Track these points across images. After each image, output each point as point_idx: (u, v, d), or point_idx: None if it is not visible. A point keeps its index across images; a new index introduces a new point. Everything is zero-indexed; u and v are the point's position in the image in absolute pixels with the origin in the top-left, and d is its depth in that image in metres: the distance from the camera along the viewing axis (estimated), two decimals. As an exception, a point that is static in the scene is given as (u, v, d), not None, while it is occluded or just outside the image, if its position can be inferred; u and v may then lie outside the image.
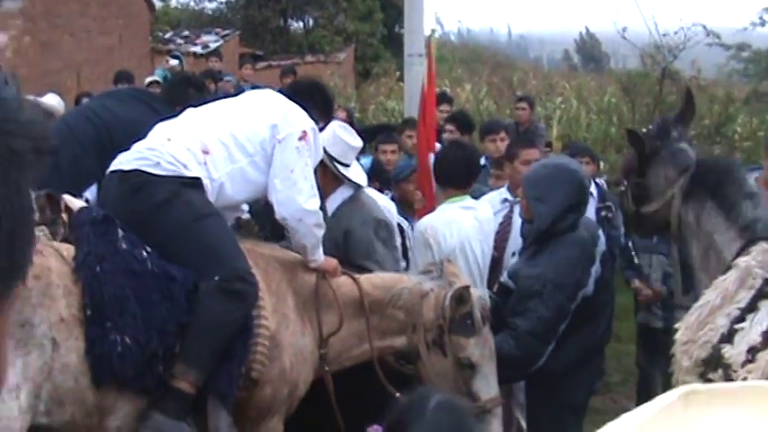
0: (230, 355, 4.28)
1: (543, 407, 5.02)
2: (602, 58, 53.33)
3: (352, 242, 5.32)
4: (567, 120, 18.60)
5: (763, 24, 21.15)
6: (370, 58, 29.92)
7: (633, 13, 16.08)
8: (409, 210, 6.66)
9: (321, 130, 5.00)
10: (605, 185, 8.33)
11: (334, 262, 4.87)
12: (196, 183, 4.43)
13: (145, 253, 4.23)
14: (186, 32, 26.61)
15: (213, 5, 32.26)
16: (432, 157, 6.67)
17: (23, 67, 14.40)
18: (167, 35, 25.79)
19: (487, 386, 4.75)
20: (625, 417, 1.32)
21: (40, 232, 4.30)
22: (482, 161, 7.62)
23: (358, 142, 5.58)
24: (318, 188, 5.03)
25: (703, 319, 4.00)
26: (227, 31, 26.45)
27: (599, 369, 8.11)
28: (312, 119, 4.81)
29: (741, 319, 3.84)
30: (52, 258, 4.01)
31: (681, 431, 1.22)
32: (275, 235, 5.18)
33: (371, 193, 5.81)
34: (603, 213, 7.48)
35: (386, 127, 10.91)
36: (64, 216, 4.39)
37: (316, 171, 5.14)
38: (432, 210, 6.19)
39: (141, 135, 4.63)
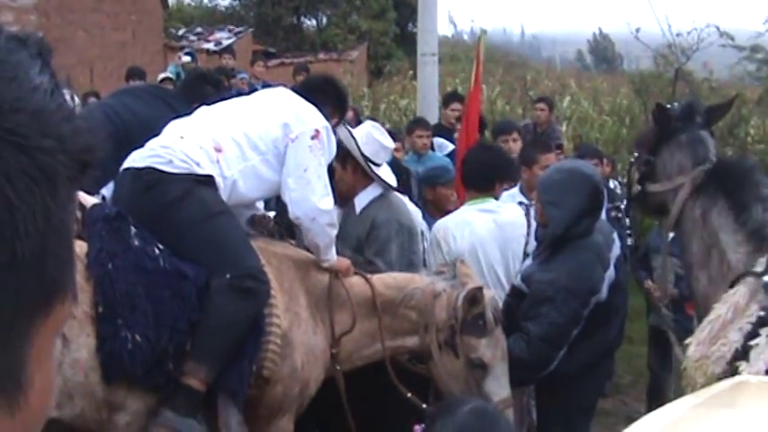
0: (241, 353, 4.28)
1: (553, 409, 5.00)
2: (615, 58, 53.22)
3: (371, 238, 5.31)
4: (579, 120, 18.55)
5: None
6: (382, 57, 29.92)
7: (646, 14, 16.04)
8: (440, 214, 6.60)
9: (336, 126, 4.99)
10: (618, 186, 8.30)
11: (346, 262, 4.86)
12: (209, 181, 4.43)
13: (157, 250, 4.23)
14: (199, 29, 26.68)
15: (226, 2, 32.40)
16: None
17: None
18: (180, 32, 25.87)
19: (499, 387, 4.73)
20: (679, 401, 1.32)
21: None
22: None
23: (391, 143, 5.58)
24: (347, 184, 5.03)
25: (716, 334, 3.96)
26: (239, 29, 26.52)
27: (609, 371, 8.12)
28: (325, 115, 4.80)
29: (754, 334, 3.80)
30: (65, 255, 4.01)
31: (732, 418, 1.23)
32: (292, 233, 5.17)
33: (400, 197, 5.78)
34: (613, 214, 7.46)
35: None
36: (77, 213, 4.39)
37: (344, 165, 5.14)
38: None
39: (158, 133, 4.64)
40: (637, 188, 4.92)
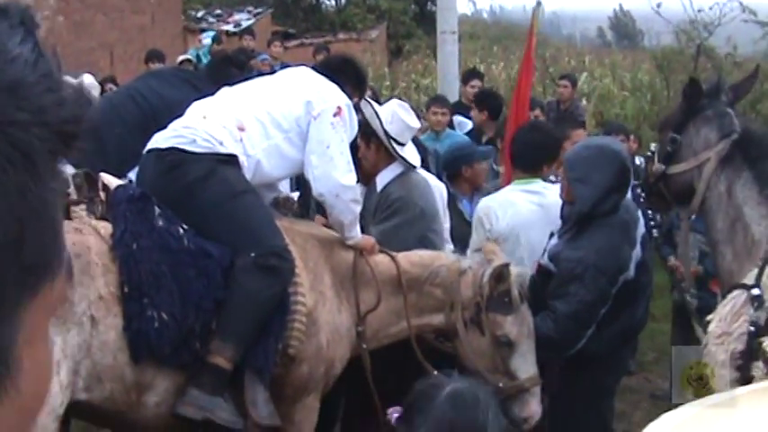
0: (267, 331, 4.29)
1: (579, 389, 4.97)
2: (636, 35, 52.88)
3: (378, 211, 5.29)
4: (600, 97, 18.45)
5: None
6: (402, 36, 29.81)
7: (667, -11, 15.91)
8: (468, 192, 6.56)
9: (355, 106, 4.98)
10: (643, 163, 8.25)
11: (371, 240, 4.85)
12: (232, 160, 4.43)
13: (181, 230, 4.25)
14: (218, 11, 26.64)
15: (245, -16, 32.24)
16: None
17: (57, 47, 14.46)
18: (199, 14, 25.85)
19: (525, 365, 4.71)
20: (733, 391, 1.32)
21: (81, 210, 4.33)
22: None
23: (416, 123, 5.54)
24: (370, 162, 5.01)
25: (737, 311, 3.93)
26: (259, 10, 26.47)
27: (633, 349, 8.09)
28: (346, 94, 4.80)
29: None
30: (91, 237, 4.04)
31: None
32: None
33: (425, 174, 5.74)
34: (639, 191, 7.41)
35: None
36: (102, 194, 4.41)
37: (368, 144, 5.12)
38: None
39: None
40: (660, 167, 4.85)
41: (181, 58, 13.74)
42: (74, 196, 4.52)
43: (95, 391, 3.93)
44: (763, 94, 15.95)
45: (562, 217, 4.99)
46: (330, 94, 4.71)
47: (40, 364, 0.82)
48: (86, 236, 4.03)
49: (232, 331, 4.19)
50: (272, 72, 6.02)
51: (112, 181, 4.45)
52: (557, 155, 5.73)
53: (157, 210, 4.24)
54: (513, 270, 4.71)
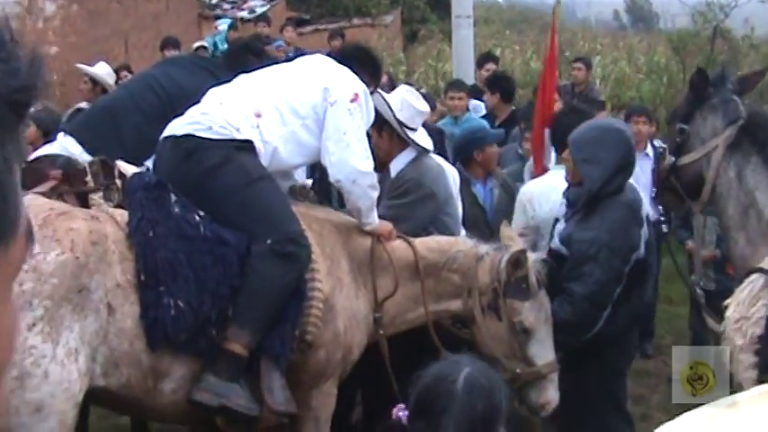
0: (284, 318, 4.29)
1: (592, 372, 4.96)
2: (652, 17, 52.57)
3: (387, 192, 5.28)
4: (616, 81, 18.36)
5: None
6: (416, 21, 29.71)
7: (683, -29, 15.82)
8: (481, 176, 6.54)
9: (371, 93, 4.97)
10: (661, 146, 8.21)
11: (388, 225, 4.84)
12: (248, 146, 4.43)
13: (197, 217, 4.25)
14: (233, -3, 26.56)
15: (259, -30, 32.19)
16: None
17: (72, 36, 14.50)
18: (214, 0, 25.78)
19: (543, 351, 4.71)
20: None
21: (98, 198, 4.34)
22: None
23: (425, 107, 5.55)
24: (383, 150, 5.01)
25: (755, 295, 3.91)
26: (273, -4, 26.37)
27: (650, 332, 8.08)
28: (363, 82, 4.79)
29: None
30: (108, 224, 4.04)
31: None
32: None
33: (438, 159, 5.73)
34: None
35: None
36: (118, 182, 4.42)
37: (380, 132, 5.12)
38: (540, 176, 6.10)
39: None
40: (670, 160, 4.85)
41: (196, 44, 13.72)
42: (91, 184, 4.53)
43: (113, 378, 3.94)
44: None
45: (568, 200, 4.99)
46: (347, 81, 4.70)
47: (2, 328, 0.82)
48: (103, 223, 4.03)
49: (248, 318, 4.19)
50: (288, 59, 6.02)
51: (129, 168, 4.46)
52: None
53: (174, 197, 4.24)
54: (531, 256, 4.70)
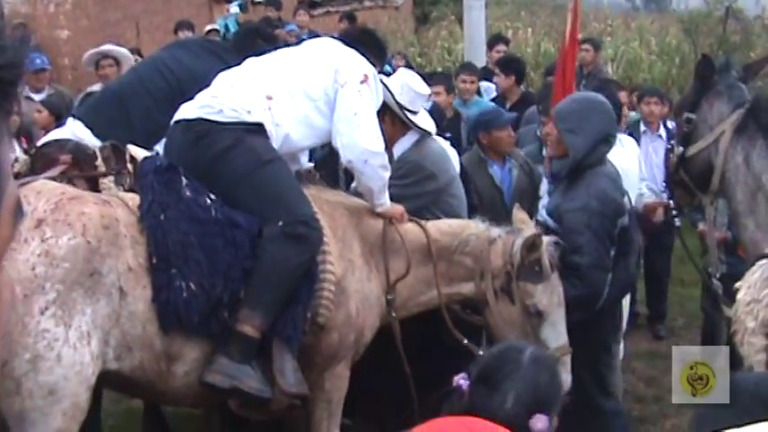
0: (296, 300, 4.29)
1: (578, 347, 4.94)
2: (665, -2, 52.32)
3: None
4: (628, 62, 18.26)
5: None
6: (428, 3, 29.61)
7: (696, -49, 15.72)
8: (497, 157, 6.52)
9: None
10: (675, 127, 8.18)
11: (400, 208, 4.84)
12: (259, 129, 4.43)
13: (209, 200, 4.25)
14: (244, -20, 26.48)
15: (270, -48, 32.08)
16: None
17: (83, 20, 14.48)
18: (225, -16, 25.71)
19: (555, 334, 4.71)
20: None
21: (109, 182, 4.35)
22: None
23: (426, 90, 5.57)
24: (385, 135, 5.01)
25: (767, 278, 3.90)
26: (284, -22, 26.28)
27: (660, 314, 8.11)
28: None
29: None
30: (119, 208, 4.05)
31: None
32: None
33: (441, 142, 5.74)
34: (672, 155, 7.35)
35: (440, 75, 10.55)
36: (129, 166, 4.42)
37: (382, 117, 5.12)
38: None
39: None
40: (679, 150, 4.85)
41: (208, 27, 13.71)
42: (101, 168, 4.53)
43: (125, 361, 3.95)
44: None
45: (552, 174, 5.09)
46: (356, 63, 4.70)
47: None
48: (115, 208, 4.04)
49: (260, 300, 4.20)
50: (299, 42, 6.02)
51: (139, 153, 4.47)
52: (617, 115, 5.84)
53: (185, 180, 4.24)
54: (545, 239, 4.70)
